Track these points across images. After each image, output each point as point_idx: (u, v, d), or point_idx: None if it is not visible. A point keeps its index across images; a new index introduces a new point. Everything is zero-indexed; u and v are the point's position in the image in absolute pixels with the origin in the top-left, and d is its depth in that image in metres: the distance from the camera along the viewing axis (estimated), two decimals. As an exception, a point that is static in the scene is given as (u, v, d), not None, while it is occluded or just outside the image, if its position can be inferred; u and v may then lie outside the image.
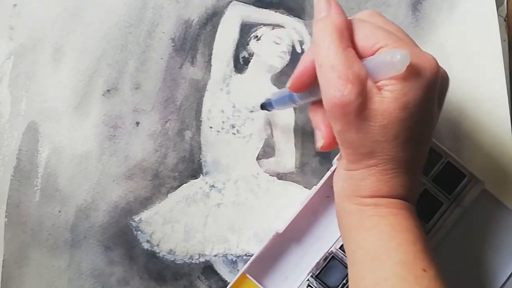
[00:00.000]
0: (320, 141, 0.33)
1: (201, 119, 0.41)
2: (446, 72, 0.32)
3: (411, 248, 0.29)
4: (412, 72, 0.28)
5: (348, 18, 0.31)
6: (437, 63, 0.30)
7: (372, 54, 0.30)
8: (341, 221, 0.33)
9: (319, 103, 0.33)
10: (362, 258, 0.30)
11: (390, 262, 0.29)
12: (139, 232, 0.40)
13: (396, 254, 0.29)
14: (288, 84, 0.33)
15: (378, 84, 0.29)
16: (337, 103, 0.28)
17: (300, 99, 0.34)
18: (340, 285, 0.37)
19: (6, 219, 0.40)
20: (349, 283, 0.32)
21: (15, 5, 0.42)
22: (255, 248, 0.39)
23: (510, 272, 0.38)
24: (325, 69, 0.29)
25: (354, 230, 0.31)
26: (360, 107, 0.28)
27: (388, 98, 0.28)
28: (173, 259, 0.40)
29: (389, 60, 0.28)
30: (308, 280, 0.37)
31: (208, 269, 0.39)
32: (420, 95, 0.29)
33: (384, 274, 0.29)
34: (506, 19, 0.43)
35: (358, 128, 0.29)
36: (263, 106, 0.39)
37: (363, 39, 0.30)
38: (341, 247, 0.37)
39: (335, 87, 0.28)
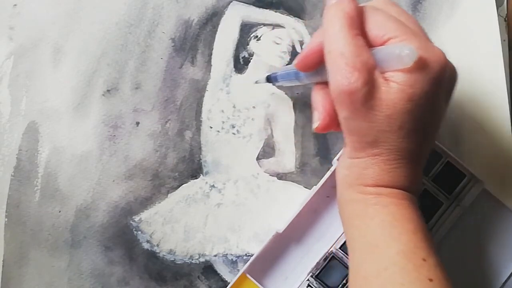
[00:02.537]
0: (316, 122, 0.33)
1: (201, 119, 0.41)
2: (454, 67, 0.32)
3: (412, 238, 0.30)
4: (420, 65, 0.28)
5: (361, 5, 0.31)
6: (446, 58, 0.30)
7: (382, 44, 0.30)
8: (343, 209, 0.33)
9: (322, 84, 0.33)
10: (363, 247, 0.31)
11: (390, 251, 0.29)
12: (139, 232, 0.40)
13: (396, 243, 0.29)
14: (295, 61, 0.33)
15: (385, 75, 0.29)
16: (344, 90, 0.29)
17: (306, 78, 0.34)
18: (340, 285, 0.37)
19: (6, 219, 0.40)
20: (349, 271, 0.32)
21: (15, 5, 0.42)
22: (255, 248, 0.39)
23: (510, 272, 0.38)
24: (334, 55, 0.29)
25: (356, 218, 0.32)
26: (366, 96, 0.29)
27: (394, 89, 0.29)
28: (173, 259, 0.40)
29: (397, 54, 0.28)
30: (308, 280, 0.37)
31: (208, 269, 0.39)
32: (427, 88, 0.29)
33: (384, 263, 0.29)
34: (506, 19, 0.43)
35: (363, 116, 0.29)
36: (268, 79, 0.39)
37: (373, 28, 0.30)
38: (341, 247, 0.37)
39: (342, 74, 0.29)
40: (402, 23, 0.30)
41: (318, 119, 0.33)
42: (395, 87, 0.29)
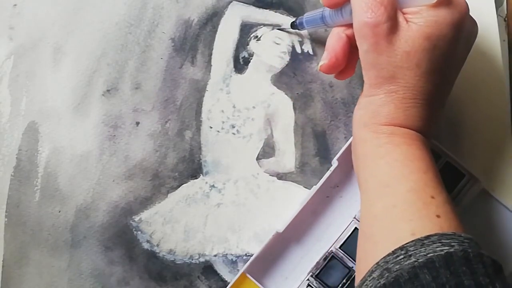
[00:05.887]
0: (322, 61, 0.35)
1: (201, 119, 0.41)
2: (475, 21, 0.33)
3: (422, 176, 0.30)
4: (440, 7, 0.30)
5: None
6: (468, 8, 0.31)
7: None
8: (357, 149, 0.34)
9: (341, 29, 0.35)
10: (374, 186, 0.31)
11: (400, 189, 0.30)
12: (139, 232, 0.40)
13: (407, 182, 0.30)
14: None
15: (406, 16, 0.31)
16: (368, 22, 0.30)
17: (331, 20, 0.35)
18: (340, 285, 0.37)
19: (6, 219, 0.40)
20: (360, 212, 0.32)
21: (15, 5, 0.42)
22: (255, 248, 0.39)
23: (510, 272, 0.38)
24: None
25: (368, 158, 0.32)
26: (388, 30, 0.30)
27: (413, 27, 0.30)
28: (173, 259, 0.40)
29: None
30: (308, 280, 0.37)
31: (208, 269, 0.39)
32: (445, 31, 0.30)
33: (394, 201, 0.30)
34: (506, 19, 0.43)
35: (383, 50, 0.30)
36: (294, 25, 0.40)
37: None
38: (341, 247, 0.37)
39: (368, 7, 0.30)
40: None
41: (324, 58, 0.34)
42: (414, 26, 0.30)
